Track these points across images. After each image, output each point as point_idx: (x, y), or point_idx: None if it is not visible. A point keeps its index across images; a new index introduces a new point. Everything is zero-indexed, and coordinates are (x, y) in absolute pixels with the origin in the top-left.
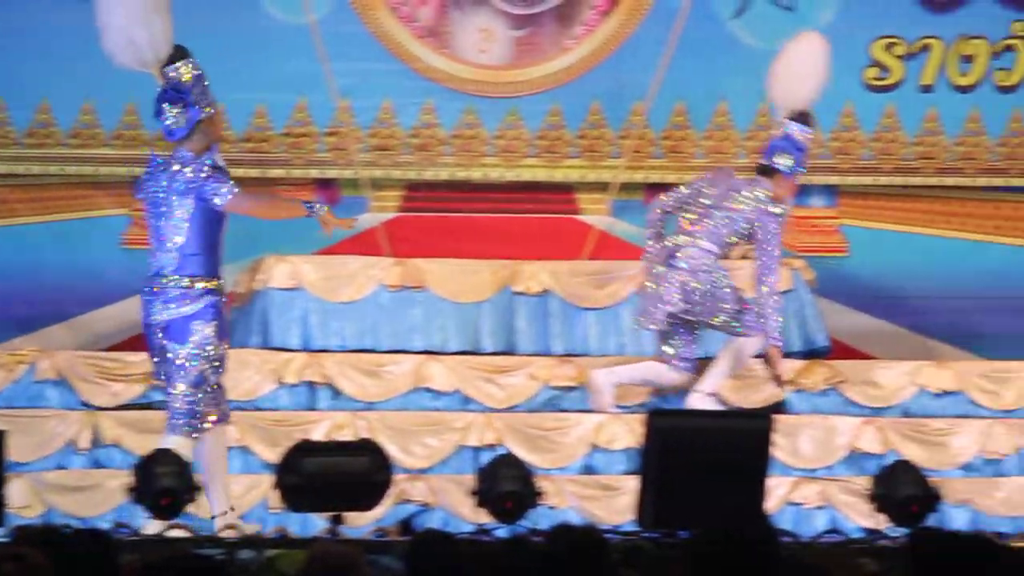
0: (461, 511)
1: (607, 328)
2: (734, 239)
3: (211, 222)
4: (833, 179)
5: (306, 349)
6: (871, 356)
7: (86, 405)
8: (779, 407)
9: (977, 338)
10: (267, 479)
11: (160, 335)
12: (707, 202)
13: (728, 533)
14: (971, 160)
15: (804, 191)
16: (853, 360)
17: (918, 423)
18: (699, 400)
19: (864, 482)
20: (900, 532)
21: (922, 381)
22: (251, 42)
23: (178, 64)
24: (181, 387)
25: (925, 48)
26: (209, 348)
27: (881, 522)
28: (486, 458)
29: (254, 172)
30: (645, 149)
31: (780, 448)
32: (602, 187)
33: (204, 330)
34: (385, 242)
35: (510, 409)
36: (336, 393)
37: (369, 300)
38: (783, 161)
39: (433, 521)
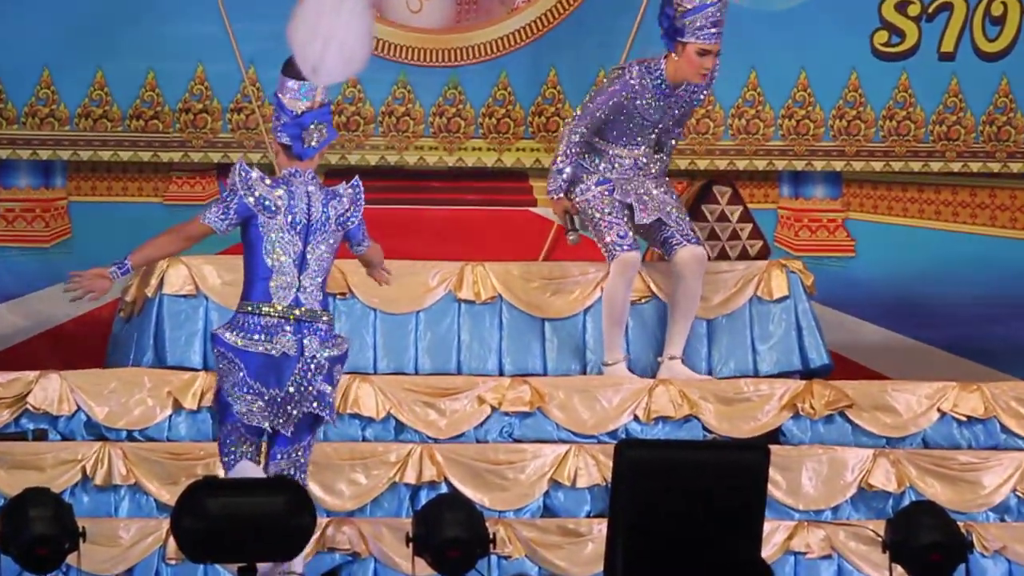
0: (396, 561)
1: (567, 342)
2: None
3: None
4: (836, 165)
5: (208, 368)
6: (883, 376)
7: None
8: (775, 436)
9: (1011, 353)
10: (163, 524)
11: (312, 373)
12: None
13: None
14: (1000, 142)
15: (802, 178)
16: (862, 380)
17: (941, 456)
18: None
19: (877, 527)
20: None
21: (945, 405)
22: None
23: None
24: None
25: (945, 7)
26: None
27: (898, 575)
28: (425, 498)
29: (145, 156)
30: None
31: (777, 486)
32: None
33: (342, 372)
34: None
35: (454, 439)
36: None
37: None
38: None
39: (363, 573)
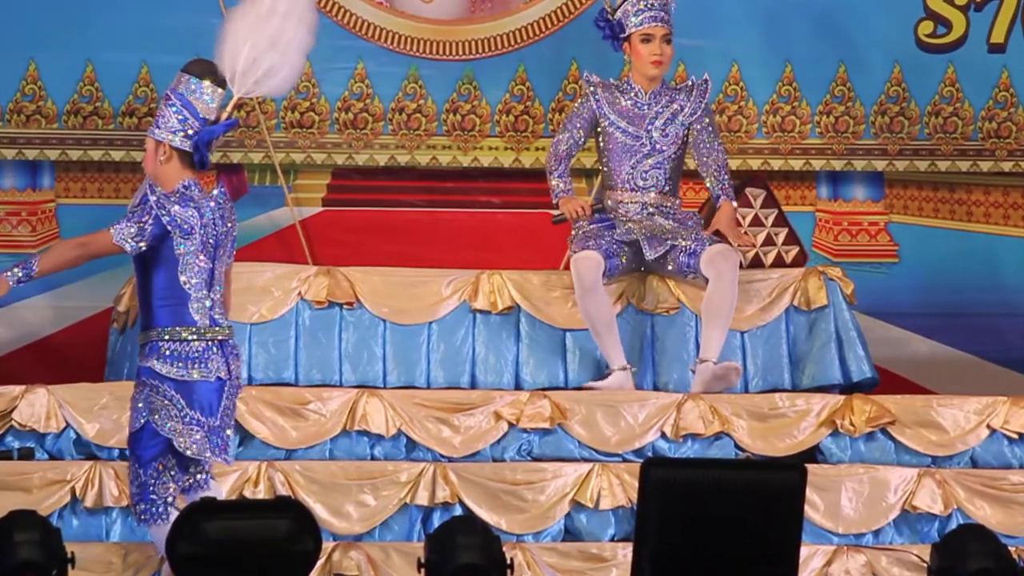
0: None
1: (590, 355)
2: None
3: None
4: (878, 164)
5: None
6: (929, 390)
7: None
8: (812, 455)
9: None
10: None
11: (237, 395)
12: None
13: None
14: None
15: (841, 179)
16: (905, 395)
17: (991, 476)
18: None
19: (922, 552)
20: None
21: (996, 422)
22: None
23: None
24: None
25: None
26: None
27: None
28: (438, 521)
29: (138, 155)
30: None
31: (815, 507)
32: (584, 173)
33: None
34: (306, 245)
35: (468, 458)
36: (245, 437)
37: (287, 320)
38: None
39: None
